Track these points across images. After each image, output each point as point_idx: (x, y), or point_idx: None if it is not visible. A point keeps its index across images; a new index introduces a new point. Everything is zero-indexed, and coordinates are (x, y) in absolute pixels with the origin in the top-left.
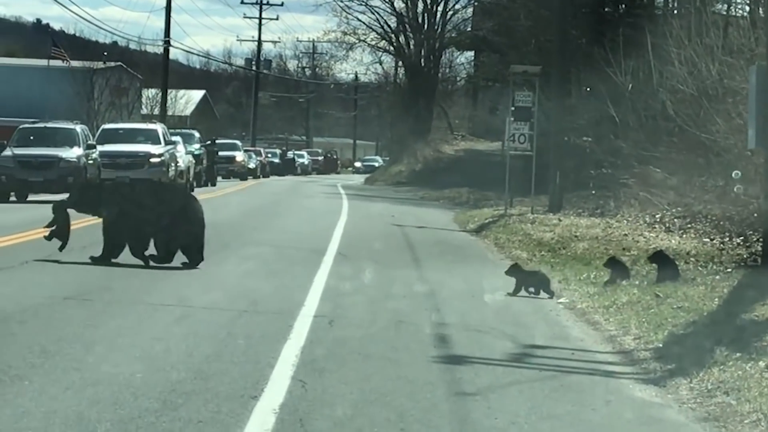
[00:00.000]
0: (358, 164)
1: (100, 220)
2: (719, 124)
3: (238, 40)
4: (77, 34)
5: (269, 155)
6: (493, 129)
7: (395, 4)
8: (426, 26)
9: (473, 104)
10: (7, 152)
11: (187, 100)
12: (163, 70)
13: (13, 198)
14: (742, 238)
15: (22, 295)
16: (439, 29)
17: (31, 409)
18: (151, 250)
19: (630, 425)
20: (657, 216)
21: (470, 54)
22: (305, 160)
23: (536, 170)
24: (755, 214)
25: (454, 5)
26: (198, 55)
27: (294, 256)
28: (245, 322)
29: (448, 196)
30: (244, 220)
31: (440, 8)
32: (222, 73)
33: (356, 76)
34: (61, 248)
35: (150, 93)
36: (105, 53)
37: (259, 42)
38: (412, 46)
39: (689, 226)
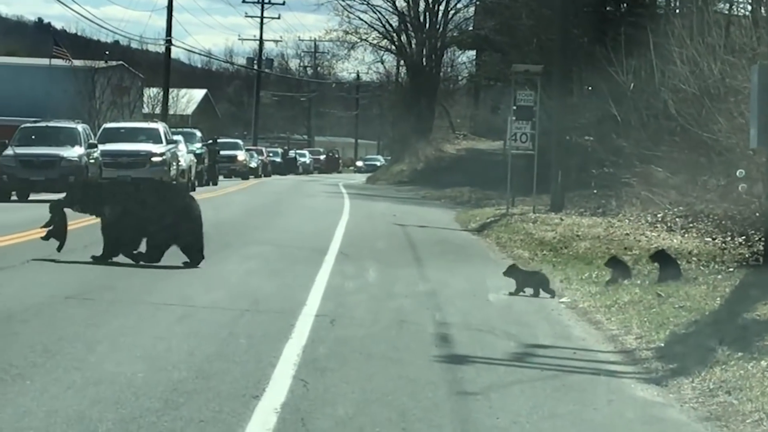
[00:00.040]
0: (359, 163)
1: (100, 219)
2: (721, 123)
3: (239, 39)
4: (79, 33)
5: (271, 154)
6: (494, 128)
7: (397, 4)
8: (428, 25)
9: (475, 103)
10: (9, 151)
11: (189, 99)
12: (165, 69)
13: (14, 197)
14: (744, 237)
15: (24, 294)
16: (441, 28)
17: (32, 408)
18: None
19: (632, 425)
20: (659, 215)
21: (472, 53)
22: (307, 160)
23: (538, 169)
24: (757, 214)
25: (455, 4)
26: (200, 54)
27: (296, 255)
28: (247, 321)
29: (450, 196)
30: (246, 219)
31: (442, 7)
32: (223, 72)
33: (358, 76)
34: (59, 248)
35: (151, 92)
36: (106, 52)
37: (261, 41)
38: (413, 45)
39: (691, 225)
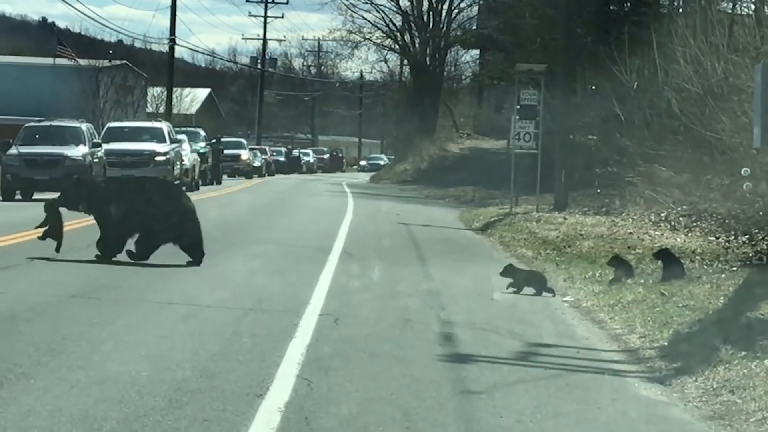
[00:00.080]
0: (363, 163)
1: (94, 217)
2: (725, 122)
3: (243, 38)
4: (82, 33)
5: (274, 153)
6: (498, 127)
7: (400, 3)
8: (431, 24)
9: (478, 102)
10: (13, 151)
11: (193, 98)
12: (169, 69)
13: (18, 196)
14: (747, 236)
15: (28, 293)
16: (445, 27)
17: (36, 407)
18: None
19: (635, 423)
20: (662, 214)
21: (475, 52)
22: (310, 159)
23: (541, 169)
24: (761, 213)
25: (459, 3)
26: (203, 53)
27: (299, 254)
28: (251, 320)
29: (454, 195)
30: (250, 219)
31: (445, 6)
32: (227, 72)
33: (361, 75)
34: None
35: (155, 91)
36: (110, 52)
37: (265, 40)
38: (417, 45)
39: (694, 224)
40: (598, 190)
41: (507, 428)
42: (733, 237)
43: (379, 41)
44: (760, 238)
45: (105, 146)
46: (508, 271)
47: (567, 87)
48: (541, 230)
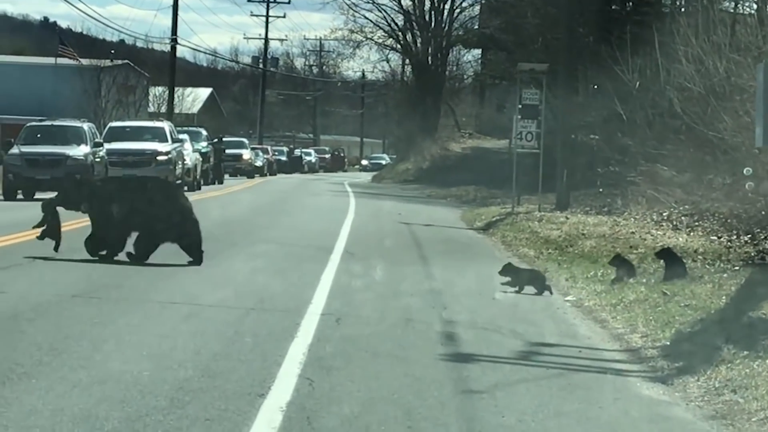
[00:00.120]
0: (365, 162)
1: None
2: (726, 121)
3: (245, 38)
4: (84, 32)
5: (276, 153)
6: (500, 127)
7: (402, 2)
8: (433, 24)
9: (480, 102)
10: (15, 150)
11: (194, 98)
12: (170, 68)
13: (20, 196)
14: (749, 235)
15: (30, 292)
16: (446, 27)
17: (38, 406)
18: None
19: (637, 423)
20: (664, 214)
21: (477, 52)
22: (312, 158)
23: (543, 168)
24: (763, 212)
25: (461, 3)
26: (205, 53)
27: (301, 253)
28: (253, 320)
29: (456, 194)
30: (252, 218)
31: (447, 6)
32: (229, 71)
33: (363, 74)
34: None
35: (157, 91)
36: (112, 51)
37: (266, 40)
38: (419, 44)
39: (697, 223)
40: (600, 190)
41: (509, 428)
42: (735, 236)
43: (380, 41)
44: (762, 237)
45: (107, 146)
46: (507, 269)
47: (569, 86)
48: (543, 230)
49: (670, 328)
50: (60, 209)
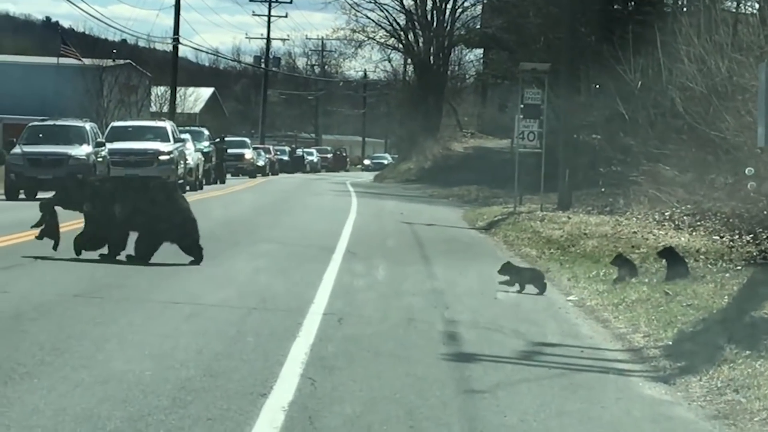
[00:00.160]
0: (367, 162)
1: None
2: (729, 121)
3: (247, 37)
4: (86, 32)
5: (278, 153)
6: (502, 126)
7: (404, 2)
8: (435, 23)
9: (482, 101)
10: (17, 150)
11: (196, 97)
12: (172, 68)
13: (22, 195)
14: (751, 235)
15: (32, 292)
16: (448, 26)
17: (40, 406)
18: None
19: (639, 423)
20: (666, 213)
21: (479, 51)
22: (314, 158)
23: (545, 168)
24: (765, 212)
25: (463, 2)
26: (207, 52)
27: (303, 253)
28: (255, 319)
29: (458, 194)
30: (254, 218)
31: (449, 5)
32: (231, 71)
33: (365, 74)
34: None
35: (159, 90)
36: (114, 51)
37: (268, 40)
38: (421, 44)
39: (699, 223)
40: (602, 190)
41: (511, 427)
42: (737, 236)
43: (382, 40)
44: (765, 237)
45: (109, 145)
46: (506, 268)
47: (571, 86)
48: (545, 229)
49: (673, 327)
50: (58, 209)
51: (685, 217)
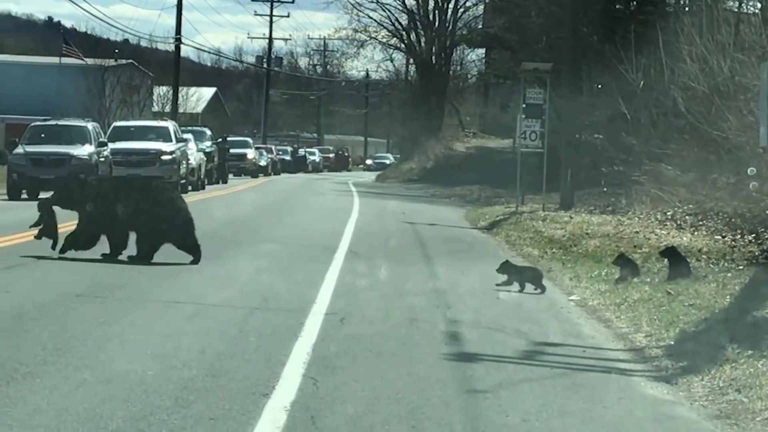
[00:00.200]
0: (369, 161)
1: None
2: (731, 121)
3: (249, 37)
4: (89, 32)
5: (280, 153)
6: (504, 126)
7: (406, 2)
8: (437, 23)
9: (484, 101)
10: (19, 150)
11: (198, 97)
12: (175, 68)
13: (24, 195)
14: (753, 235)
15: (34, 292)
16: (450, 26)
17: (43, 406)
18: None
19: (641, 422)
20: (668, 213)
21: (481, 51)
22: (316, 158)
23: (547, 168)
24: (767, 211)
25: (465, 2)
26: (209, 52)
27: (305, 253)
28: (257, 319)
29: (460, 194)
30: (256, 218)
31: (451, 5)
32: (233, 71)
33: (367, 74)
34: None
35: (161, 90)
36: (116, 51)
37: (270, 39)
38: (423, 44)
39: (701, 223)
40: (604, 189)
41: (513, 427)
42: (739, 236)
43: (384, 40)
44: (767, 236)
45: (111, 145)
46: (505, 267)
47: (573, 86)
48: (547, 229)
49: (675, 327)
50: (56, 208)
51: (687, 217)
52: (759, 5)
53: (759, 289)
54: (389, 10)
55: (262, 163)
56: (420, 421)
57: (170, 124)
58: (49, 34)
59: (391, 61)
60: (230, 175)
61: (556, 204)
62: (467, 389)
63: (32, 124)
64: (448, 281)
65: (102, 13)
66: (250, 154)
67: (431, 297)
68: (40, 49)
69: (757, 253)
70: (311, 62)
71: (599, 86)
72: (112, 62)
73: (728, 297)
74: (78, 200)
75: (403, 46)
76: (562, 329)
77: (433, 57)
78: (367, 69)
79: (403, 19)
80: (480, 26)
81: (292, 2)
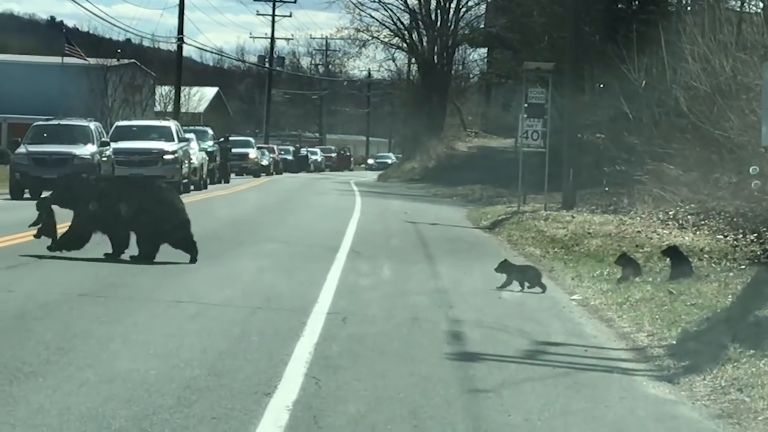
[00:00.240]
0: (371, 161)
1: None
2: (733, 120)
3: (251, 37)
4: (91, 32)
5: (282, 152)
6: (506, 126)
7: (408, 1)
8: (439, 23)
9: (486, 101)
10: (22, 149)
11: (201, 97)
12: (177, 67)
13: (27, 195)
14: (755, 234)
15: (37, 291)
16: (452, 26)
17: (46, 405)
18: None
19: (644, 422)
20: (670, 213)
21: (483, 51)
22: (318, 157)
23: (549, 167)
24: None
25: (467, 2)
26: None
27: (308, 252)
28: (259, 319)
29: (462, 193)
30: (258, 217)
31: (453, 5)
32: (235, 70)
33: (369, 73)
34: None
35: (163, 90)
36: (119, 50)
37: (272, 39)
38: (425, 43)
39: (703, 222)
40: (606, 189)
41: (515, 427)
42: (741, 235)
43: (386, 40)
44: None
45: (113, 145)
46: (503, 266)
47: (575, 85)
48: (549, 229)
49: (677, 326)
50: (55, 208)
51: (689, 216)
52: (761, 5)
53: (761, 289)
54: (391, 10)
55: (264, 162)
56: (422, 420)
57: (172, 124)
58: (52, 34)
59: (393, 61)
60: (232, 175)
61: (558, 203)
62: (469, 389)
63: (35, 124)
64: (450, 281)
65: (104, 13)
66: (252, 153)
67: (433, 296)
68: (42, 49)
69: (759, 253)
70: (313, 62)
71: (601, 86)
72: (114, 62)
73: (730, 296)
74: (79, 200)
75: (405, 45)
76: (564, 329)
77: (435, 56)
78: (369, 69)
79: (405, 19)
80: (482, 26)
81: (294, 2)
